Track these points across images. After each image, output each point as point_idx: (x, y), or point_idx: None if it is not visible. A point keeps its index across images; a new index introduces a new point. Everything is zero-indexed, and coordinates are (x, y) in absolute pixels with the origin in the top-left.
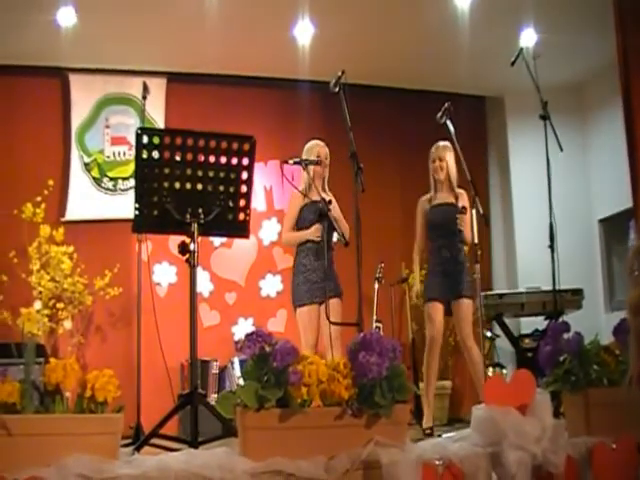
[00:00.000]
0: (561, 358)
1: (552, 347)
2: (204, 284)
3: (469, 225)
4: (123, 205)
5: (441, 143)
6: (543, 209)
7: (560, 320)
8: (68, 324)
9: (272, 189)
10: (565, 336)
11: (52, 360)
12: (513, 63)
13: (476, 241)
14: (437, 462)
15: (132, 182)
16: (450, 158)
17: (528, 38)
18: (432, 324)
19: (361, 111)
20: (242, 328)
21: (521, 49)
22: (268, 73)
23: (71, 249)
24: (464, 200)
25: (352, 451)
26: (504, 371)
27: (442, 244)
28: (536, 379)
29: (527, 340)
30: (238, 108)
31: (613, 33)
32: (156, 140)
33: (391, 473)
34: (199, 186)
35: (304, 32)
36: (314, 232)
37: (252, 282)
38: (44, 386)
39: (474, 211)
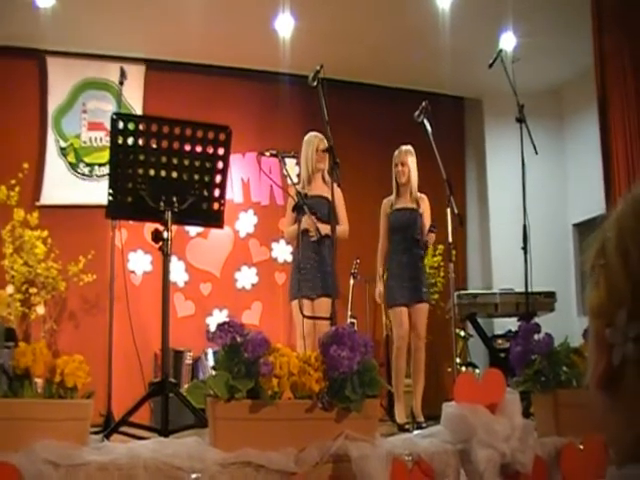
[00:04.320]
0: (532, 358)
1: (523, 347)
2: (179, 274)
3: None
4: (99, 191)
5: (404, 147)
6: (519, 211)
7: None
8: (41, 309)
9: (249, 181)
10: (536, 337)
11: (21, 344)
12: (491, 65)
13: (450, 240)
14: (407, 457)
15: (108, 168)
16: (412, 162)
17: (507, 41)
18: (401, 327)
19: (341, 107)
20: (216, 319)
21: (500, 50)
22: (248, 65)
23: (45, 234)
24: (425, 204)
25: (322, 444)
26: (477, 371)
27: (402, 248)
28: (507, 379)
29: (500, 340)
30: (217, 99)
31: (591, 39)
32: (131, 126)
33: (361, 467)
34: (174, 174)
35: (285, 25)
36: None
37: (227, 273)
38: (13, 370)
39: (448, 210)
